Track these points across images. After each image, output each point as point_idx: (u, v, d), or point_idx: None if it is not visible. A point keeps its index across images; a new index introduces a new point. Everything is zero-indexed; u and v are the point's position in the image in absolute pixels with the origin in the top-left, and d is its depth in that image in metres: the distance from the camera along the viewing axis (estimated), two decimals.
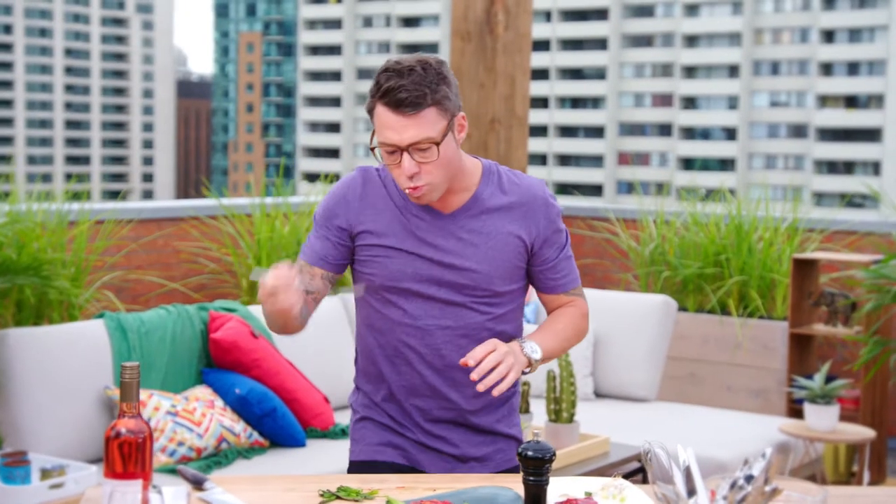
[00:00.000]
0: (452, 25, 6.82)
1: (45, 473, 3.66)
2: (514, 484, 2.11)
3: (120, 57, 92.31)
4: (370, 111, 2.32)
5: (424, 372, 2.41)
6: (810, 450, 4.89)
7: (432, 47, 67.32)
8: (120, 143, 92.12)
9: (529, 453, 1.81)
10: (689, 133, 64.55)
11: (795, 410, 5.53)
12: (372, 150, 2.33)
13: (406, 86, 2.25)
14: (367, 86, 74.99)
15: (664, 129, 64.99)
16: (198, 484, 2.13)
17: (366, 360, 2.47)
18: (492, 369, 2.23)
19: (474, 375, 2.21)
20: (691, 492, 1.87)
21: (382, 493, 2.11)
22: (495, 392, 2.21)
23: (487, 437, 2.47)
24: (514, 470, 2.49)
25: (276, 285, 2.16)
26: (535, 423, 4.27)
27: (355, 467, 2.47)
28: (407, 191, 2.32)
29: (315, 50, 79.07)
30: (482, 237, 2.39)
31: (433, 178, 2.30)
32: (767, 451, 1.82)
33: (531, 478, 1.81)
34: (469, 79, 6.71)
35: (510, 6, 6.70)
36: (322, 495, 2.10)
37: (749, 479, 1.80)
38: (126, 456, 1.83)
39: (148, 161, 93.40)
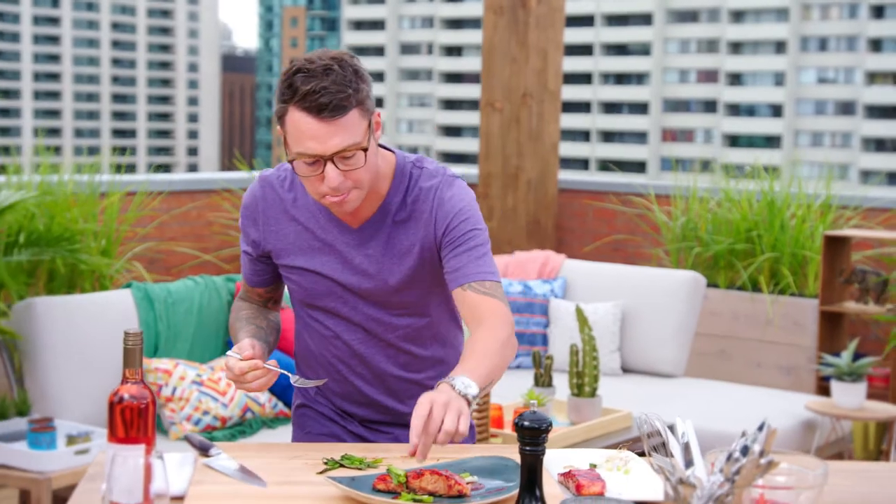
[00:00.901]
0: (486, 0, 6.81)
1: (71, 440, 3.72)
2: (515, 454, 2.12)
3: (166, 31, 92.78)
4: (281, 117, 2.11)
5: (357, 382, 2.35)
6: (837, 427, 4.86)
7: (475, 22, 67.08)
8: (165, 116, 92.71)
9: (525, 423, 1.82)
10: (735, 109, 63.98)
11: (824, 388, 5.49)
12: (291, 162, 2.13)
13: (328, 87, 2.05)
14: (411, 61, 75.19)
15: (709, 106, 64.45)
16: (204, 450, 2.16)
17: (303, 362, 2.42)
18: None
19: (422, 458, 1.94)
20: (689, 464, 1.87)
21: (385, 462, 2.13)
22: (457, 440, 1.96)
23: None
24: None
25: (244, 370, 2.14)
26: (558, 397, 4.28)
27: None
28: (327, 201, 2.15)
29: (358, 25, 79.05)
30: (389, 250, 2.25)
31: (359, 184, 2.14)
32: (764, 422, 1.81)
33: (527, 447, 1.81)
34: (501, 53, 6.70)
35: None
36: (326, 463, 2.12)
37: (745, 450, 1.80)
38: (128, 421, 1.86)
39: (193, 135, 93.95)
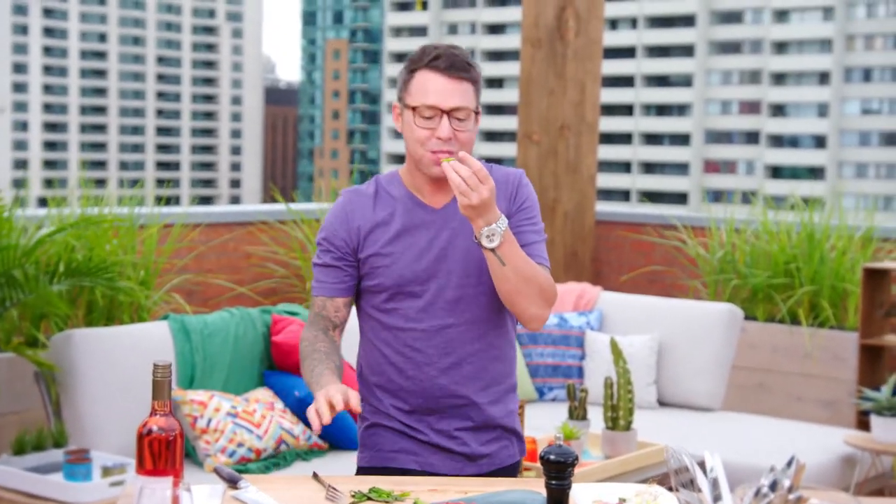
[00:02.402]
0: (523, 32, 6.83)
1: (106, 471, 3.74)
2: (544, 489, 2.11)
3: (210, 65, 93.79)
4: (405, 83, 2.41)
5: (433, 373, 2.43)
6: (877, 463, 4.80)
7: (515, 54, 67.23)
8: (209, 149, 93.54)
9: (552, 457, 1.82)
10: (778, 141, 63.63)
11: (864, 422, 5.42)
12: (413, 109, 2.38)
13: (456, 54, 2.40)
14: None
15: (751, 137, 64.15)
16: (233, 483, 2.17)
17: (371, 370, 2.49)
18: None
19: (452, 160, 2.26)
20: (717, 498, 1.85)
21: (413, 495, 2.13)
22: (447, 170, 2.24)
23: (493, 432, 2.48)
24: (516, 465, 2.52)
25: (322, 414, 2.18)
26: (593, 431, 4.25)
27: (365, 473, 2.47)
28: (430, 157, 2.38)
29: (400, 57, 79.49)
30: (468, 229, 2.42)
31: (463, 146, 2.39)
32: (793, 457, 1.80)
33: (553, 481, 1.81)
34: (539, 85, 6.71)
35: (581, 12, 6.69)
36: (354, 496, 2.12)
37: (773, 486, 1.78)
38: (156, 453, 1.88)
39: (236, 167, 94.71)
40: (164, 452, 1.88)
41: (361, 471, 2.50)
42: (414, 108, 2.37)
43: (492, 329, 2.45)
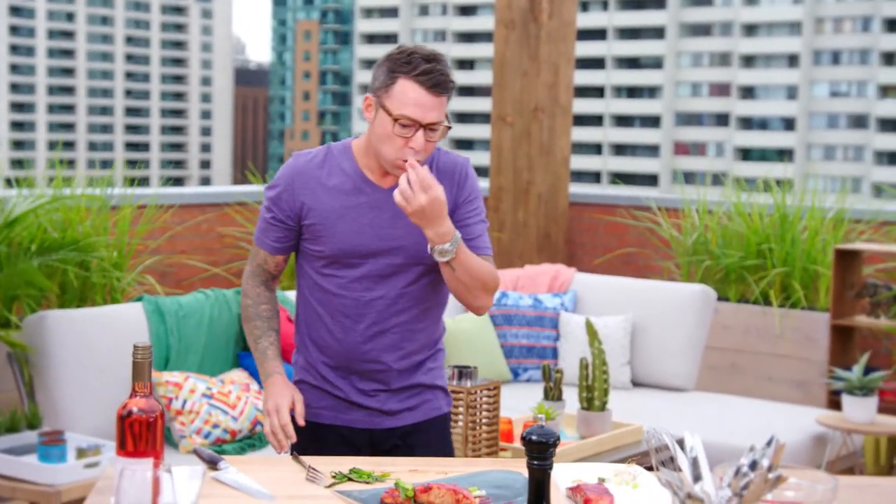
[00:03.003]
0: (496, 14, 6.82)
1: (81, 453, 3.73)
2: (524, 469, 2.12)
3: (179, 45, 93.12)
4: (387, 85, 2.45)
5: (358, 339, 2.54)
6: (848, 442, 4.84)
7: (486, 35, 67.16)
8: (178, 130, 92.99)
9: (533, 437, 1.82)
10: (747, 123, 63.89)
11: (835, 402, 5.47)
12: (394, 119, 2.42)
13: (443, 70, 2.45)
14: None
15: (721, 119, 64.39)
16: (212, 464, 2.17)
17: (306, 325, 2.61)
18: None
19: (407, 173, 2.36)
20: (697, 478, 1.87)
21: (394, 476, 2.13)
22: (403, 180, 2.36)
23: (412, 391, 2.60)
24: (443, 418, 2.65)
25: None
26: (568, 411, 4.27)
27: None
28: (399, 164, 2.44)
29: (371, 38, 79.25)
30: None
31: (427, 155, 2.48)
32: (772, 437, 1.81)
33: (535, 462, 1.82)
34: (513, 67, 6.71)
35: None
36: (334, 477, 2.12)
37: (753, 465, 1.80)
38: (137, 435, 1.87)
39: (206, 148, 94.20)
40: (144, 434, 1.87)
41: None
42: (395, 118, 2.44)
43: (420, 304, 2.57)
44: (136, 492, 1.81)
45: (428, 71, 2.42)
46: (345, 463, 2.20)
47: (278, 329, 2.64)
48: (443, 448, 2.61)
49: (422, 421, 2.60)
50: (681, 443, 1.95)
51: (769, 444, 1.81)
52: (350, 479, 2.11)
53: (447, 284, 2.50)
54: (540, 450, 1.81)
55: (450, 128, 2.50)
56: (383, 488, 1.99)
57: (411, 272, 2.54)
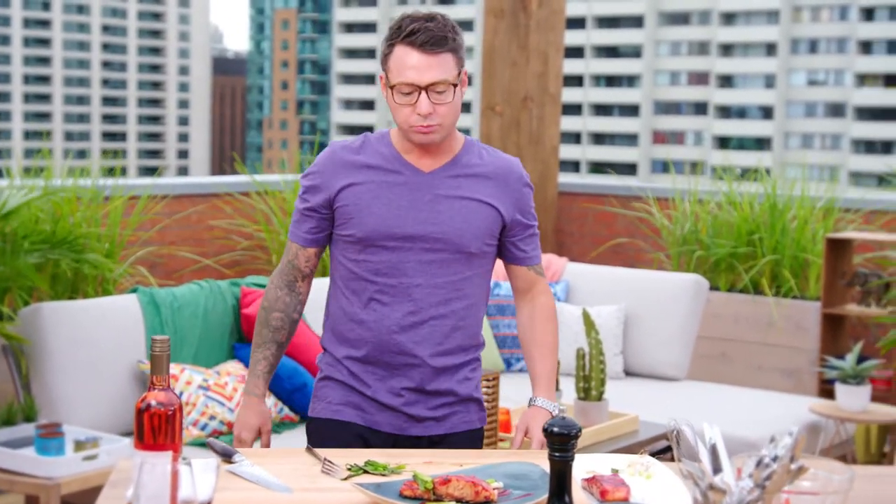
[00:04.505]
0: (486, 3, 6.80)
1: (79, 445, 3.71)
2: (539, 460, 2.12)
3: (156, 34, 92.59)
4: (386, 56, 2.41)
5: (393, 328, 2.45)
6: (841, 430, 4.87)
7: (467, 24, 67.08)
8: (156, 119, 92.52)
9: (555, 429, 1.82)
10: (725, 112, 64.06)
11: (827, 391, 5.50)
12: (391, 88, 2.39)
13: (430, 27, 2.38)
14: None
15: (700, 108, 64.53)
16: (227, 457, 2.16)
17: (335, 319, 2.53)
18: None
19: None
20: (717, 469, 1.87)
21: (409, 468, 2.13)
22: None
23: (443, 398, 2.50)
24: (475, 434, 2.55)
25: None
26: (565, 401, 4.27)
27: (314, 424, 2.54)
28: (414, 132, 2.40)
29: (350, 27, 79.02)
30: (458, 196, 2.46)
31: (444, 119, 2.40)
32: (794, 429, 1.81)
33: (557, 454, 1.82)
34: (502, 56, 6.70)
35: None
36: (349, 469, 2.11)
37: (775, 457, 1.80)
38: (156, 428, 1.86)
39: (183, 138, 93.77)
40: (164, 427, 1.86)
41: (311, 421, 2.55)
42: (393, 86, 2.39)
43: (461, 299, 2.47)
44: (155, 485, 1.80)
45: (415, 30, 2.37)
46: (359, 455, 2.20)
47: (284, 343, 2.56)
48: None
49: (450, 433, 2.50)
50: (700, 435, 1.95)
51: (791, 435, 1.81)
52: (366, 472, 2.10)
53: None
54: (562, 441, 1.81)
55: (463, 81, 2.42)
56: (401, 480, 1.99)
57: (452, 262, 2.44)
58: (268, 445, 2.50)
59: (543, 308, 2.57)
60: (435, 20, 2.40)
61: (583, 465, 2.18)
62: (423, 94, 2.37)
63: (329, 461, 2.13)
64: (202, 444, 3.96)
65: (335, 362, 2.52)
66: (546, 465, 1.97)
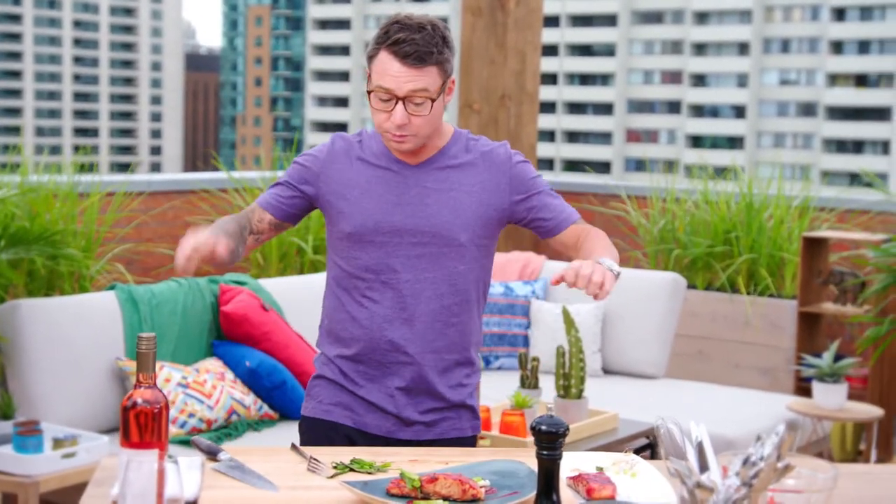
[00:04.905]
0: (463, 1, 6.80)
1: (58, 443, 3.68)
2: (525, 458, 2.12)
3: (128, 29, 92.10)
4: (371, 57, 2.39)
5: (384, 325, 2.43)
6: (818, 428, 4.90)
7: (443, 21, 67.07)
8: (128, 115, 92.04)
9: (543, 427, 1.82)
10: (699, 111, 64.33)
11: (803, 389, 5.53)
12: (369, 93, 2.38)
13: (416, 40, 2.33)
14: None
15: (673, 107, 64.78)
16: (212, 454, 2.15)
17: (329, 319, 2.51)
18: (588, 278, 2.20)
19: (572, 279, 2.18)
20: (703, 468, 1.88)
21: (395, 466, 2.12)
22: (600, 298, 2.19)
23: (434, 402, 2.47)
24: (468, 441, 2.51)
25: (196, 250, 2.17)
26: (545, 399, 4.28)
27: (305, 423, 2.53)
28: (388, 137, 2.39)
29: (324, 24, 78.83)
30: (446, 188, 2.44)
31: (419, 131, 2.38)
32: (780, 427, 1.82)
33: (545, 452, 1.82)
34: (480, 54, 6.70)
35: None
36: (335, 467, 2.11)
37: (762, 456, 1.81)
38: (142, 426, 1.85)
39: (156, 134, 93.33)
40: (150, 425, 1.85)
41: (303, 419, 2.54)
42: (371, 90, 2.37)
43: (453, 293, 2.44)
44: (141, 483, 1.79)
45: (401, 40, 2.33)
46: (345, 453, 2.19)
47: (234, 233, 2.30)
48: None
49: (439, 440, 2.46)
50: (686, 434, 1.96)
51: (777, 433, 1.82)
52: (352, 470, 2.10)
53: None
54: (550, 440, 1.81)
55: (433, 100, 2.35)
56: (388, 478, 1.99)
57: (443, 256, 2.42)
58: (224, 253, 2.18)
59: (595, 230, 2.48)
60: (424, 31, 2.35)
61: (568, 464, 2.19)
62: (400, 104, 2.34)
63: (315, 459, 2.13)
64: (182, 442, 3.94)
65: (328, 361, 2.51)
66: (533, 464, 1.98)
